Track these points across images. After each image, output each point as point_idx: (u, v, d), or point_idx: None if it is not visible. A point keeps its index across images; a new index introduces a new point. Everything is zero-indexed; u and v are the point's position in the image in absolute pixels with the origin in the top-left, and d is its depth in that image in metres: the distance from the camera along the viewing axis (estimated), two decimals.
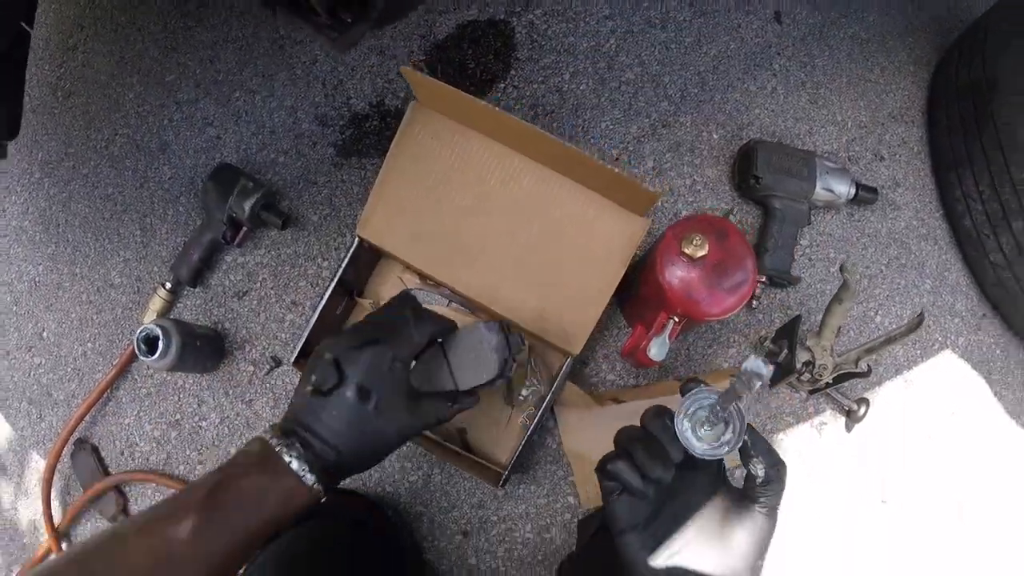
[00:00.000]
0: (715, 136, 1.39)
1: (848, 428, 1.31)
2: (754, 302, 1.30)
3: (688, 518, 0.67)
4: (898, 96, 1.51)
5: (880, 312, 1.39)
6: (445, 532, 1.27)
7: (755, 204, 1.36)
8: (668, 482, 0.65)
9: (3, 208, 1.54)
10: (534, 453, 1.27)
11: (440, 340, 0.90)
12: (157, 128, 1.48)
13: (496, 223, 1.11)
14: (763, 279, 1.29)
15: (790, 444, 1.31)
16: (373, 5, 0.88)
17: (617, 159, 1.34)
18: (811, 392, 1.30)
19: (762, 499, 0.67)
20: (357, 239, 1.15)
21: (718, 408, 0.64)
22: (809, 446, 1.31)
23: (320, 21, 0.88)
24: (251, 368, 1.34)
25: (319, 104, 1.43)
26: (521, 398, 1.21)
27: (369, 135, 1.39)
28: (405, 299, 0.87)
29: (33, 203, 1.52)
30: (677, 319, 1.08)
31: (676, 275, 1.02)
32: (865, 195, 1.36)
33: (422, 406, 0.81)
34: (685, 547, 0.66)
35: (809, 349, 1.21)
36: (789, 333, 1.23)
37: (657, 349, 1.08)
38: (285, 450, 0.71)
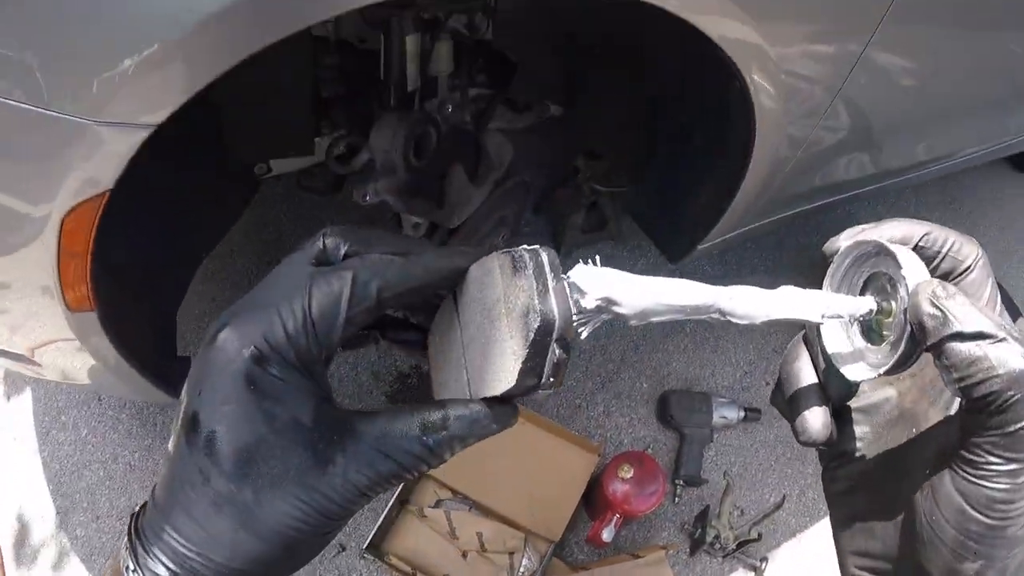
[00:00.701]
0: (645, 385, 2.05)
1: None
2: (676, 498, 1.91)
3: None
4: (769, 334, 2.18)
5: (773, 494, 2.00)
6: None
7: (673, 431, 2.00)
8: (825, 439, 0.44)
9: (99, 398, 1.92)
10: None
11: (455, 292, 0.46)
12: None
13: (507, 459, 1.75)
14: (681, 482, 1.91)
15: None
16: None
17: (579, 407, 1.99)
18: (724, 556, 1.89)
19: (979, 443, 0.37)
20: None
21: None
22: None
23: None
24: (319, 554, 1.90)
25: (374, 362, 2.08)
26: (521, 573, 1.80)
27: (411, 389, 2.04)
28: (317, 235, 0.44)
29: (130, 400, 1.88)
30: (619, 515, 1.70)
31: (615, 489, 1.65)
32: (752, 415, 2.01)
33: (352, 448, 0.39)
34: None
35: (715, 527, 1.82)
36: (700, 519, 1.85)
37: (607, 535, 1.71)
38: (129, 562, 0.40)
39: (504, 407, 0.42)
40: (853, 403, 0.49)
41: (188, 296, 1.49)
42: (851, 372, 0.43)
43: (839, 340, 0.45)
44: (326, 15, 0.73)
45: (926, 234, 0.42)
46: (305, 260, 0.42)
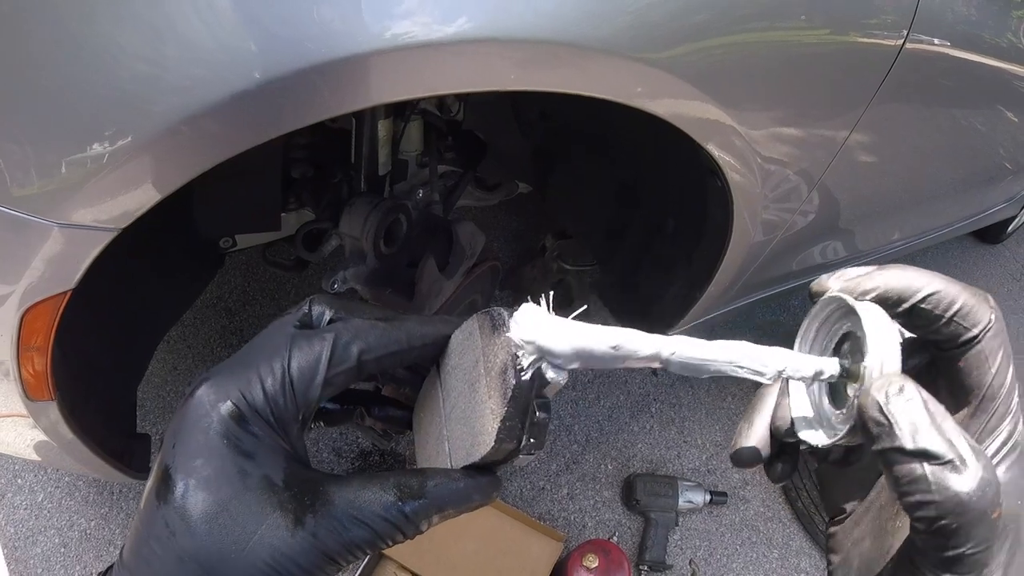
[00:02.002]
0: (610, 467, 2.03)
1: None
2: None
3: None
4: (736, 414, 2.18)
5: None
6: None
7: (638, 515, 1.97)
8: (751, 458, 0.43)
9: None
10: None
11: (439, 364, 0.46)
12: None
13: (470, 544, 1.71)
14: (646, 567, 1.88)
15: None
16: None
17: (543, 489, 1.96)
18: None
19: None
20: None
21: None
22: None
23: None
24: None
25: (335, 439, 2.03)
26: None
27: (372, 466, 1.99)
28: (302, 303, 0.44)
29: None
30: None
31: None
32: (718, 499, 1.99)
33: (323, 511, 0.37)
34: None
35: None
36: None
37: None
38: None
39: (486, 478, 0.41)
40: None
41: (149, 366, 1.46)
42: (809, 435, 0.40)
43: (806, 399, 0.42)
44: (328, 115, 0.71)
45: (931, 294, 0.37)
46: (290, 324, 0.42)
